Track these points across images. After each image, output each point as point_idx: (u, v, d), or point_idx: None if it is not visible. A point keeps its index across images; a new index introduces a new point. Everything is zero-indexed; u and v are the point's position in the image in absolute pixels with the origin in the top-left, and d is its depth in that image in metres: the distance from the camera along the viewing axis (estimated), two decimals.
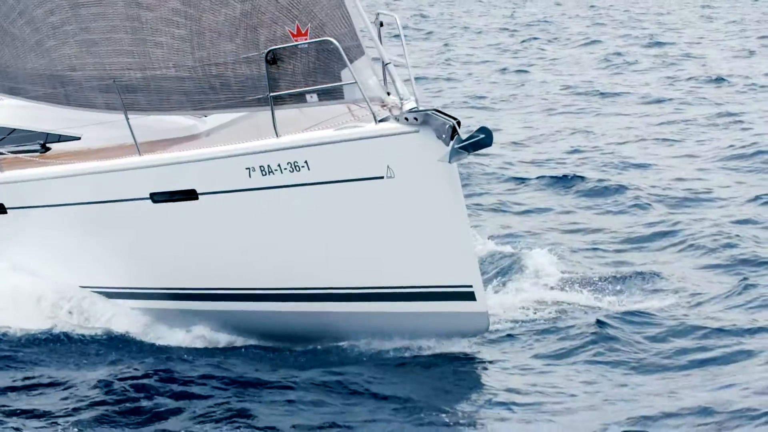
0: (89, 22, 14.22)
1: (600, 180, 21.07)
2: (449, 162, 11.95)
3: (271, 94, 12.93)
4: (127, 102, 13.98)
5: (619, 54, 38.14)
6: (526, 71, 36.17)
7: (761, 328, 13.37)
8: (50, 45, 14.77)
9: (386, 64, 12.71)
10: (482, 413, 11.61)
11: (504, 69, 36.58)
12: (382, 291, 13.14)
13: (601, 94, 30.91)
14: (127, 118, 13.93)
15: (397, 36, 13.32)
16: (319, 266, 13.20)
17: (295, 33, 12.76)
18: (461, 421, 11.35)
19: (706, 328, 13.42)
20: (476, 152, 12.06)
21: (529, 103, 30.30)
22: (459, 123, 11.92)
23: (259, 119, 14.00)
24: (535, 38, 42.54)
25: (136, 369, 13.08)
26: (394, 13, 13.74)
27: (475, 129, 11.84)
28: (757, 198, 19.33)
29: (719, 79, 32.28)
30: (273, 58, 12.86)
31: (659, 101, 29.45)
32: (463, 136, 11.85)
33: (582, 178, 21.15)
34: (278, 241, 13.32)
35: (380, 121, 12.54)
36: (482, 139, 11.82)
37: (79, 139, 15.60)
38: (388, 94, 13.17)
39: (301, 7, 12.65)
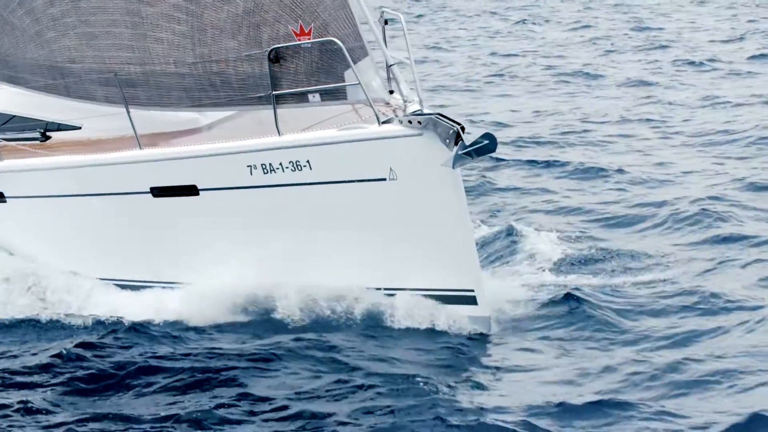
0: (89, 15, 14.13)
1: (581, 162, 21.12)
2: (453, 167, 11.93)
3: (274, 92, 12.87)
4: (127, 96, 13.90)
5: (608, 38, 38.12)
6: (515, 54, 36.12)
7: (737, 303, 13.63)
8: (50, 36, 14.69)
9: (390, 65, 12.67)
10: (464, 387, 11.64)
11: (493, 53, 36.52)
12: (383, 294, 13.14)
13: (587, 75, 30.92)
14: (128, 112, 13.86)
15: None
16: (317, 266, 13.18)
17: (299, 32, 12.69)
18: (445, 394, 11.34)
19: (683, 304, 13.65)
20: (480, 157, 12.05)
21: (515, 83, 30.31)
22: (463, 128, 11.89)
23: (261, 114, 13.94)
24: (525, 21, 42.47)
25: (105, 343, 13.05)
26: (399, 12, 13.64)
27: (479, 135, 11.82)
28: (735, 180, 19.43)
29: (702, 63, 32.38)
30: (276, 57, 12.79)
31: (646, 84, 29.48)
32: (467, 142, 11.83)
33: (563, 162, 21.25)
34: (277, 239, 13.30)
35: (383, 122, 12.50)
36: (486, 145, 11.80)
37: (80, 128, 15.52)
38: (391, 92, 13.15)
39: (305, 7, 12.58)
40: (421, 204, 12.47)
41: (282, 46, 12.72)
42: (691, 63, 32.44)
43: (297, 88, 12.82)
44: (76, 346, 12.79)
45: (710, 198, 18.29)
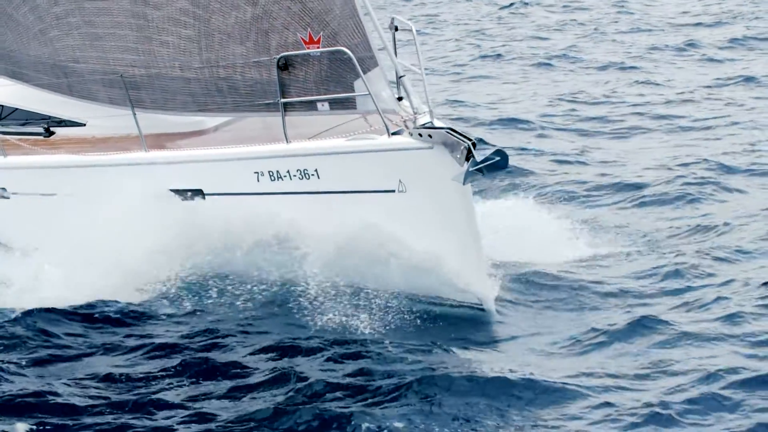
0: (93, 16, 13.93)
1: (559, 147, 21.15)
2: (463, 183, 11.80)
3: (282, 100, 12.71)
4: (131, 98, 13.75)
5: (600, 20, 37.83)
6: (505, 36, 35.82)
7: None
8: (53, 35, 14.49)
9: (400, 77, 12.49)
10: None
11: (482, 32, 36.16)
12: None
13: (571, 58, 30.68)
14: (134, 114, 13.71)
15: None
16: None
17: (308, 40, 12.49)
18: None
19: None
20: (491, 174, 11.92)
21: (501, 65, 30.15)
22: (474, 144, 11.75)
23: (267, 118, 13.77)
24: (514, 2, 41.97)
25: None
26: (410, 22, 13.41)
27: (491, 151, 11.69)
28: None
29: (683, 49, 32.19)
30: (285, 64, 12.60)
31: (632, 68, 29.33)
32: (478, 158, 11.69)
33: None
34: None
35: (393, 134, 12.35)
36: (498, 162, 11.67)
37: (84, 125, 15.34)
38: (400, 99, 12.98)
39: (314, 15, 12.37)
40: (430, 217, 12.34)
41: (291, 54, 12.52)
42: (677, 47, 32.18)
43: (306, 97, 12.64)
44: None
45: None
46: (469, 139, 11.75)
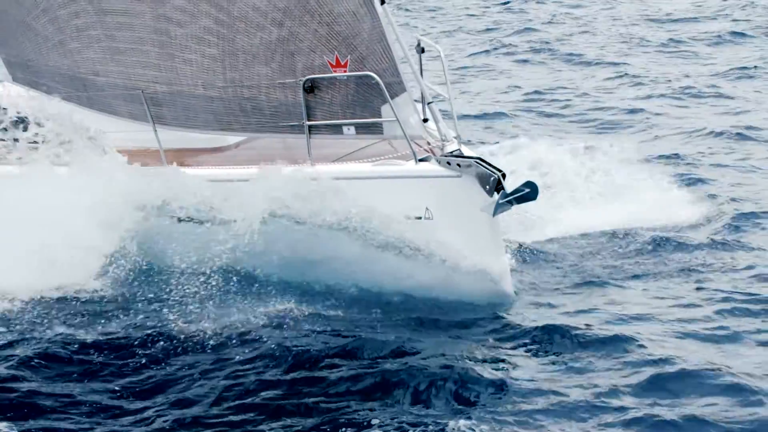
0: (115, 30, 13.74)
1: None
2: (493, 215, 11.67)
3: (308, 122, 12.56)
4: (152, 114, 13.59)
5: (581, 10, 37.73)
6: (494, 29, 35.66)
7: None
8: (73, 47, 14.31)
9: (429, 103, 12.34)
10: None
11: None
12: None
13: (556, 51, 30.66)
14: (155, 131, 13.56)
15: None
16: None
17: (334, 64, 12.33)
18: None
19: None
20: (519, 205, 11.80)
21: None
22: (504, 175, 11.61)
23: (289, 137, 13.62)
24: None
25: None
26: (437, 44, 13.24)
27: (520, 183, 11.56)
28: None
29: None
30: (311, 87, 12.45)
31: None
32: (508, 189, 11.56)
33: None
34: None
35: (420, 160, 12.21)
36: (527, 194, 11.54)
37: None
38: (425, 120, 12.81)
39: (341, 39, 12.20)
40: (458, 245, 12.21)
41: (318, 77, 12.36)
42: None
43: (332, 120, 12.49)
44: None
45: None
46: (499, 170, 11.62)
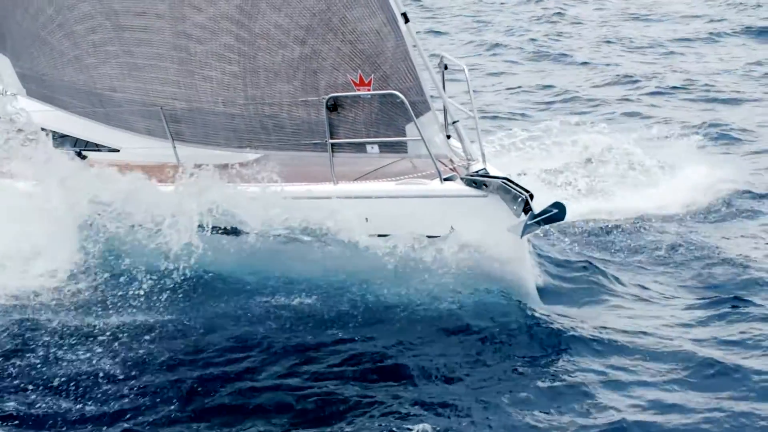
0: (133, 46, 13.61)
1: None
2: (521, 236, 11.60)
3: (331, 141, 12.47)
4: (171, 131, 13.48)
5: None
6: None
7: None
8: (90, 62, 14.19)
9: (454, 122, 12.24)
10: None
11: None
12: None
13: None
14: (174, 147, 13.46)
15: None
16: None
17: (358, 82, 12.23)
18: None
19: None
20: (547, 226, 11.74)
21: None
22: (532, 196, 11.54)
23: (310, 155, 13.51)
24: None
25: None
26: (461, 61, 13.14)
27: (548, 204, 11.48)
28: None
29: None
30: (334, 105, 12.36)
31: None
32: (536, 210, 11.48)
33: None
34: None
35: (445, 179, 12.13)
36: (555, 214, 11.45)
37: (118, 151, 15.03)
38: (449, 137, 12.73)
39: (365, 57, 12.09)
40: (483, 265, 12.15)
41: (341, 95, 12.26)
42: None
43: (355, 138, 12.40)
44: None
45: None
46: (527, 191, 11.54)
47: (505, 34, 33.28)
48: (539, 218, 11.43)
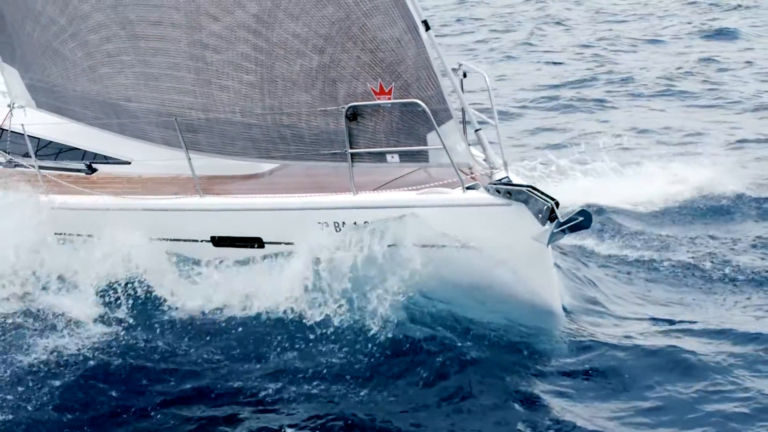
0: (149, 56, 13.50)
1: None
2: (547, 244, 11.51)
3: (350, 151, 12.36)
4: (187, 141, 13.36)
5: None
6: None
7: None
8: (104, 72, 14.07)
9: (477, 130, 12.14)
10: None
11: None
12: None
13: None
14: (189, 158, 13.33)
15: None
16: None
17: (378, 91, 12.12)
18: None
19: None
20: (573, 234, 11.65)
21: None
22: (557, 204, 11.44)
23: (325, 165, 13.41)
24: None
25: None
26: (479, 67, 13.04)
27: (575, 211, 11.39)
28: None
29: None
30: (353, 114, 12.24)
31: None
32: (562, 218, 11.39)
33: None
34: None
35: (468, 188, 12.03)
36: (581, 222, 11.37)
37: (129, 163, 14.92)
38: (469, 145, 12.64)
39: (385, 66, 11.97)
40: (507, 273, 12.05)
41: (361, 104, 12.14)
42: None
43: (375, 148, 12.29)
44: None
45: None
46: (552, 199, 11.44)
47: None
48: (565, 226, 11.34)
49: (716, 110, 24.09)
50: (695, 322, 12.71)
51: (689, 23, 34.97)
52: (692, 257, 14.74)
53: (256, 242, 13.15)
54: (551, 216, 11.37)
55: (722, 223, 16.51)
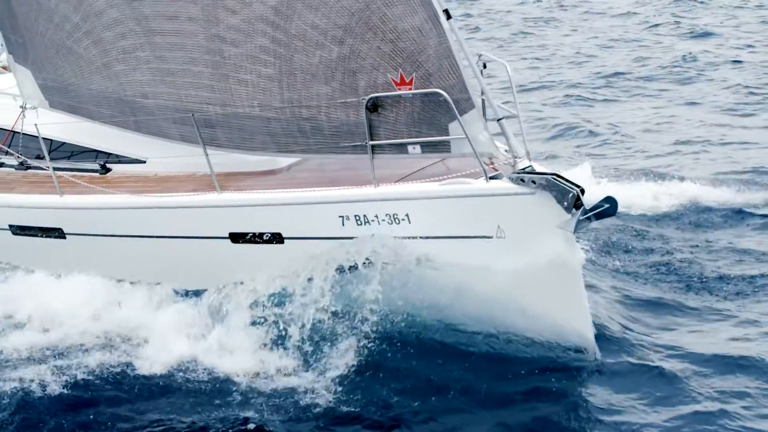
0: (165, 51, 13.40)
1: None
2: (574, 232, 11.40)
3: (371, 142, 12.25)
4: (205, 137, 13.24)
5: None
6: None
7: None
8: (119, 69, 13.97)
9: (499, 119, 12.02)
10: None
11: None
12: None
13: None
14: (206, 154, 13.19)
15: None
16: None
17: (398, 81, 12.01)
18: None
19: None
20: (599, 221, 11.54)
21: None
22: (583, 191, 11.33)
23: (344, 158, 13.29)
24: None
25: None
26: (503, 60, 12.94)
27: (600, 198, 11.29)
28: None
29: None
30: (374, 106, 12.12)
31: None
32: (588, 205, 11.28)
33: None
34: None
35: (491, 178, 11.92)
36: (607, 209, 11.28)
37: (144, 162, 14.79)
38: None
39: (405, 56, 11.86)
40: (531, 264, 11.92)
41: (381, 95, 12.03)
42: None
43: (396, 139, 12.17)
44: None
45: None
46: (577, 186, 11.33)
47: None
48: (591, 213, 11.24)
49: None
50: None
51: None
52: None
53: (275, 238, 12.99)
54: (577, 203, 11.26)
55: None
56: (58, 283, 14.44)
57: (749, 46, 31.65)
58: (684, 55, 29.92)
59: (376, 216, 12.34)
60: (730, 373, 11.94)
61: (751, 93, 25.62)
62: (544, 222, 11.55)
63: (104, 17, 13.76)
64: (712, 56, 30.18)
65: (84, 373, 12.62)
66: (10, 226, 14.77)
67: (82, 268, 14.48)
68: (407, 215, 12.21)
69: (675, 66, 28.87)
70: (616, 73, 28.72)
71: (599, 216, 11.27)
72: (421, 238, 12.23)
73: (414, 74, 11.87)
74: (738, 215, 17.13)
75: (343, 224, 12.53)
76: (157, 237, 13.68)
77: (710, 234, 16.39)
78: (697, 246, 15.72)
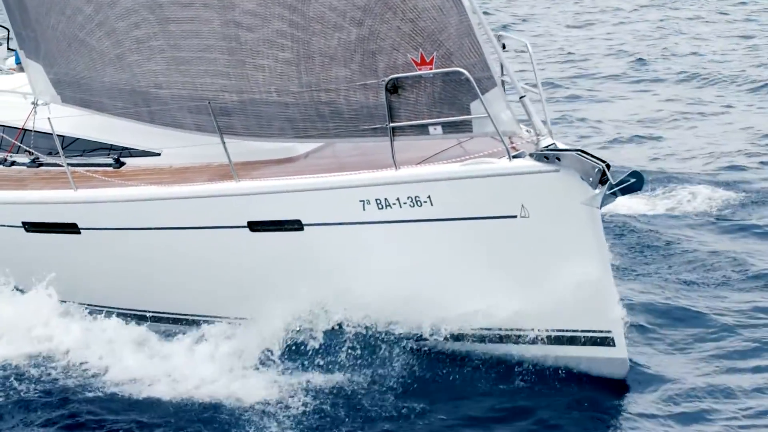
0: (179, 39, 13.26)
1: None
2: (600, 207, 11.26)
3: (392, 124, 12.11)
4: (221, 125, 13.08)
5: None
6: None
7: None
8: (132, 59, 13.83)
9: (521, 97, 11.89)
10: None
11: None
12: (511, 334, 12.52)
13: None
14: (224, 143, 13.03)
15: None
16: (444, 307, 12.51)
17: (419, 61, 11.87)
18: None
19: None
20: (624, 196, 11.41)
21: None
22: (608, 166, 11.20)
23: (363, 144, 13.16)
24: None
25: None
26: (524, 40, 12.83)
27: (626, 173, 11.16)
28: None
29: None
30: (394, 87, 11.98)
31: None
32: (613, 180, 11.15)
33: None
34: (394, 278, 12.58)
35: (514, 157, 11.79)
36: (633, 184, 11.15)
37: (158, 155, 14.64)
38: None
39: (426, 35, 11.73)
40: (556, 242, 11.78)
41: (401, 76, 11.89)
42: None
43: (417, 120, 12.03)
44: None
45: None
46: (603, 161, 11.20)
47: None
48: (617, 188, 11.11)
49: None
50: None
51: None
52: None
53: (295, 225, 12.84)
54: (602, 179, 11.12)
55: None
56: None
57: None
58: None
59: (398, 199, 12.20)
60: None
61: None
62: (570, 199, 11.41)
63: (117, 7, 13.63)
64: None
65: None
66: (24, 223, 14.58)
67: (98, 263, 14.32)
68: (429, 197, 12.07)
69: None
70: None
71: (625, 191, 11.14)
72: (442, 220, 12.07)
73: (435, 54, 11.75)
74: None
75: (364, 209, 12.39)
76: (173, 228, 13.50)
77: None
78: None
